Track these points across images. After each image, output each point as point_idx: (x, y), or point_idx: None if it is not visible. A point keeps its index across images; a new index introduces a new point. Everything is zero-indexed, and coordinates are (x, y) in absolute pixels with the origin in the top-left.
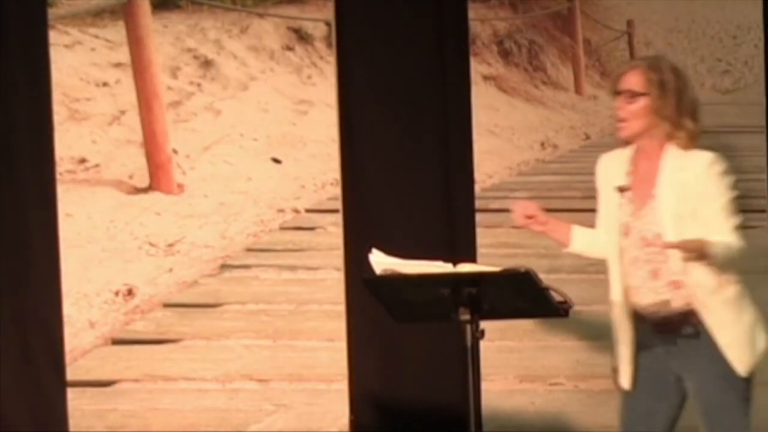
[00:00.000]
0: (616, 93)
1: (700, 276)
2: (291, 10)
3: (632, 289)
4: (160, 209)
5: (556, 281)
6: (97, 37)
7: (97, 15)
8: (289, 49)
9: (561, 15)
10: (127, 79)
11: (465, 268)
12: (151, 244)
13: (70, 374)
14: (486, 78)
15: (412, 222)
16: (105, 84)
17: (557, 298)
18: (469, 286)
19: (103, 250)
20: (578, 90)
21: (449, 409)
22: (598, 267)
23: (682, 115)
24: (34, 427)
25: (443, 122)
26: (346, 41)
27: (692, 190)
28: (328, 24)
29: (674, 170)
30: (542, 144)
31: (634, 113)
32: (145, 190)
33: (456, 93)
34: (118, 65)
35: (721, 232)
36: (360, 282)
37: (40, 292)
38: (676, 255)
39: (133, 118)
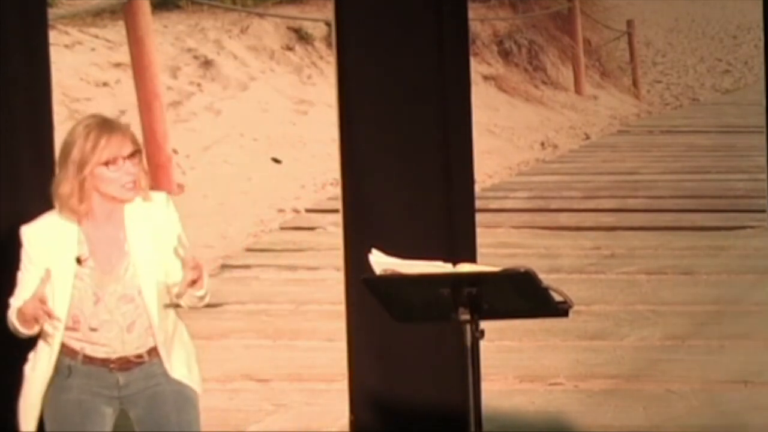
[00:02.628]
0: (120, 158)
1: (163, 318)
2: (291, 10)
3: (94, 343)
4: None
5: (556, 281)
6: (97, 37)
7: (97, 15)
8: (289, 49)
9: (561, 15)
10: (127, 79)
11: (465, 268)
12: None
13: None
14: (486, 78)
15: (412, 222)
16: (105, 84)
17: (557, 298)
18: (469, 286)
19: None
20: (578, 90)
21: (449, 409)
22: (598, 267)
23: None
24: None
25: (443, 122)
26: (346, 41)
27: (160, 234)
28: (328, 24)
29: (138, 221)
30: (542, 144)
31: (140, 172)
32: None
33: (456, 93)
34: (118, 65)
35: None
36: (360, 282)
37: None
38: (153, 306)
39: (133, 118)
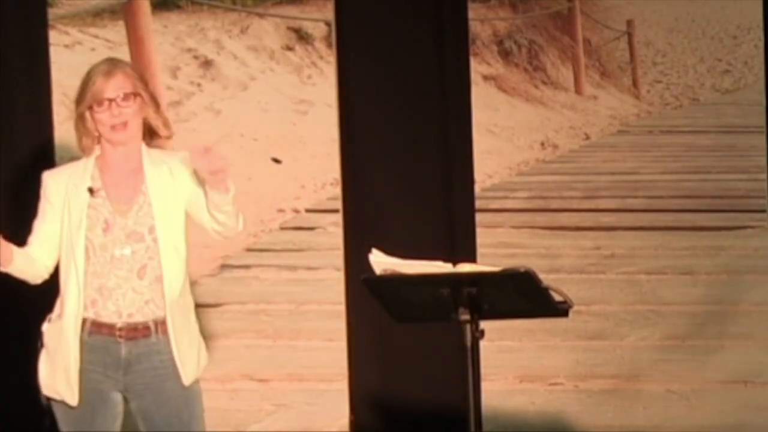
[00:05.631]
0: (106, 101)
1: (174, 275)
2: (291, 10)
3: (105, 291)
4: None
5: (556, 281)
6: (97, 37)
7: (97, 15)
8: (289, 49)
9: (561, 15)
10: None
11: (465, 268)
12: None
13: None
14: (486, 78)
15: (412, 222)
16: None
17: (557, 298)
18: (469, 286)
19: None
20: (578, 90)
21: (449, 409)
22: (598, 267)
23: (159, 108)
24: (34, 427)
25: (443, 122)
26: (346, 41)
27: (180, 184)
28: (328, 24)
29: (159, 165)
30: (542, 144)
31: (134, 115)
32: None
33: (456, 93)
34: None
35: None
36: (360, 282)
37: (40, 292)
38: (166, 250)
39: None
